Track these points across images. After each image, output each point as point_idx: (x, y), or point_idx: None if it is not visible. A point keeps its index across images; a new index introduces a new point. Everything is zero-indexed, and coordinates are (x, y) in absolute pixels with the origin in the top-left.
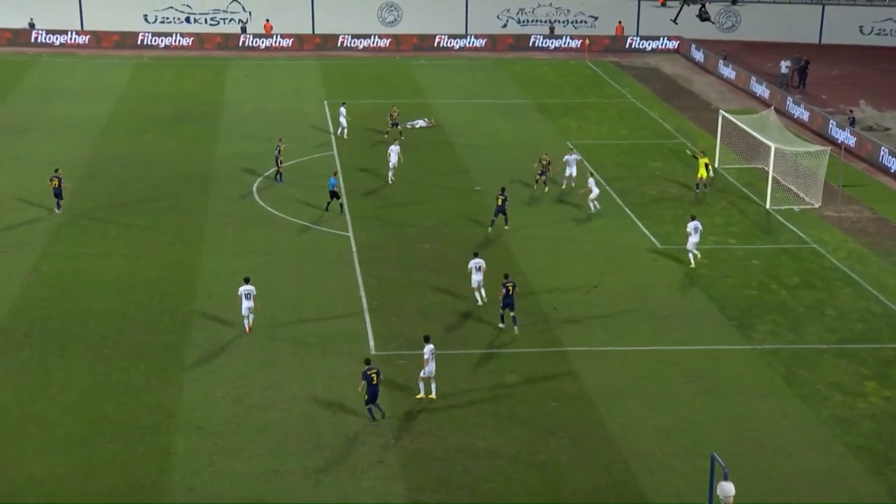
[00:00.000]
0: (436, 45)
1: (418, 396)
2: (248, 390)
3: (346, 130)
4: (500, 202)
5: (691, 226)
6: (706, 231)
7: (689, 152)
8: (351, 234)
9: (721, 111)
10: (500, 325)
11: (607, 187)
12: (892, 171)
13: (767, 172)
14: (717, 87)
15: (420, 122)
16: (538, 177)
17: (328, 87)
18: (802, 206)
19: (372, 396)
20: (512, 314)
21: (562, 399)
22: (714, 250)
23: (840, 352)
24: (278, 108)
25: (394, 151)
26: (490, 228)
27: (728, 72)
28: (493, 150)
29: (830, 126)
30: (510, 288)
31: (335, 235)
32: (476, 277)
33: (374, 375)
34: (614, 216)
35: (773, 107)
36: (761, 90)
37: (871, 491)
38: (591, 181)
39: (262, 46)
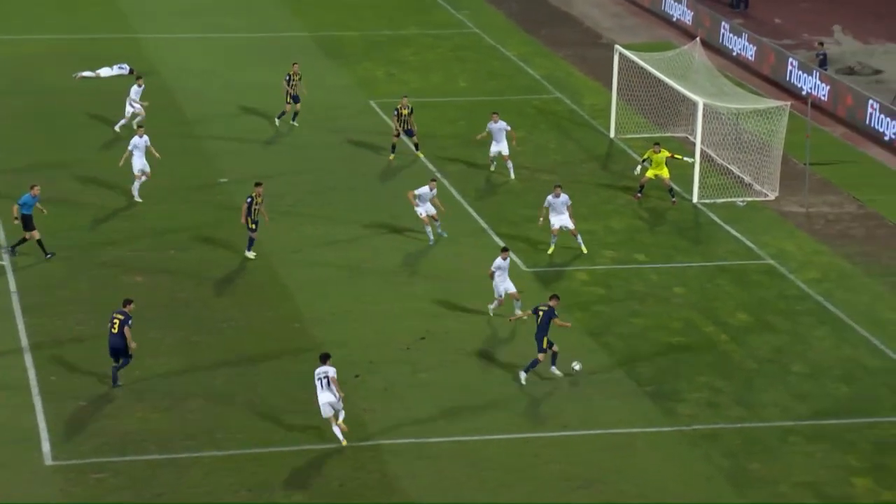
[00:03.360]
0: None
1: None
2: None
3: None
4: None
5: (551, 199)
6: (596, 243)
7: (647, 157)
8: (8, 266)
9: (617, 47)
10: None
11: (440, 175)
12: (887, 137)
13: (693, 145)
14: (610, 8)
15: (116, 70)
16: (395, 137)
17: None
18: (750, 198)
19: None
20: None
21: None
22: (613, 273)
23: (816, 431)
24: None
25: (138, 149)
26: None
27: None
28: (249, 120)
29: (790, 68)
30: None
31: None
32: None
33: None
34: (452, 220)
35: (698, 38)
36: (680, 12)
37: None
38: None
39: None
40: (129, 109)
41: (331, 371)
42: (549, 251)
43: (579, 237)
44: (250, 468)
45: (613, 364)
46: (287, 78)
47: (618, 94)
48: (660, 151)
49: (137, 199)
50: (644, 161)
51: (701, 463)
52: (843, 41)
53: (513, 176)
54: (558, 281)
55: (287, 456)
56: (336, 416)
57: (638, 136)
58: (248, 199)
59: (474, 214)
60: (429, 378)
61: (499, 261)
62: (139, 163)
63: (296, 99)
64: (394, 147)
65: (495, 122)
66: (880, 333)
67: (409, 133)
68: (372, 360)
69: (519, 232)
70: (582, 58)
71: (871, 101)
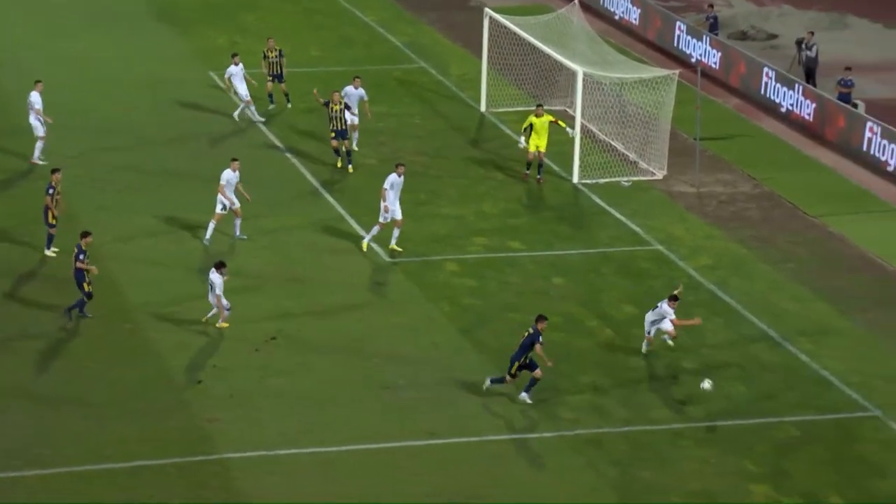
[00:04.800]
0: None
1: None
2: None
3: None
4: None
5: (395, 179)
6: (467, 229)
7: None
8: None
9: (487, 10)
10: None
11: (289, 154)
12: (784, 109)
13: (573, 119)
14: None
15: None
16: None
17: None
18: (636, 178)
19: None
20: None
21: None
22: (485, 262)
23: (709, 435)
24: None
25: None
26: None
27: None
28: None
29: (678, 33)
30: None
31: None
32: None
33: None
34: (304, 203)
35: (577, 0)
36: None
37: None
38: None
39: None
40: None
41: (216, 281)
42: (370, 236)
43: (397, 232)
44: (77, 487)
45: (486, 363)
46: (263, 55)
47: (488, 63)
48: (542, 115)
49: None
50: (525, 130)
51: (585, 472)
52: (736, 3)
53: (355, 147)
54: (425, 271)
55: (119, 474)
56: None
57: (511, 109)
58: (49, 189)
59: (329, 199)
60: (280, 384)
61: (393, 177)
62: None
63: (279, 78)
64: (271, 97)
65: (356, 87)
66: (778, 325)
67: (279, 78)
68: (216, 364)
69: (377, 218)
70: (448, 23)
71: (766, 69)
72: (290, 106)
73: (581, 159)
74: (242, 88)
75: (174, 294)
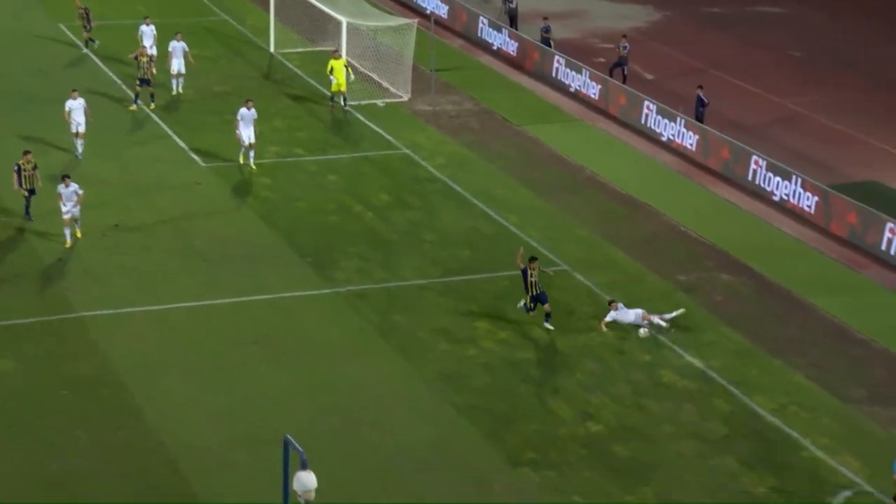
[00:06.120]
0: None
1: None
2: None
3: None
4: None
5: (244, 112)
6: (263, 140)
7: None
8: None
9: None
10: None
11: (116, 77)
12: (495, 47)
13: (342, 53)
14: None
15: None
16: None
17: None
18: (388, 100)
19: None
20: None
21: (78, 385)
22: (278, 165)
23: (445, 287)
24: None
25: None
26: None
27: None
28: None
29: None
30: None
31: None
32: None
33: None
34: (135, 127)
35: None
36: None
37: (487, 460)
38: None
39: None
40: None
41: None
42: (241, 161)
43: (253, 153)
44: None
45: (280, 240)
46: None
47: (275, 15)
48: (339, 57)
49: None
50: (330, 70)
51: (354, 318)
52: None
53: (181, 90)
54: (232, 173)
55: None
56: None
57: (294, 50)
58: (16, 166)
59: (159, 121)
60: (122, 259)
61: (243, 110)
62: None
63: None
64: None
65: (178, 40)
66: (494, 206)
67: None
68: (72, 245)
69: (202, 136)
70: None
71: (481, 18)
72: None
73: (348, 87)
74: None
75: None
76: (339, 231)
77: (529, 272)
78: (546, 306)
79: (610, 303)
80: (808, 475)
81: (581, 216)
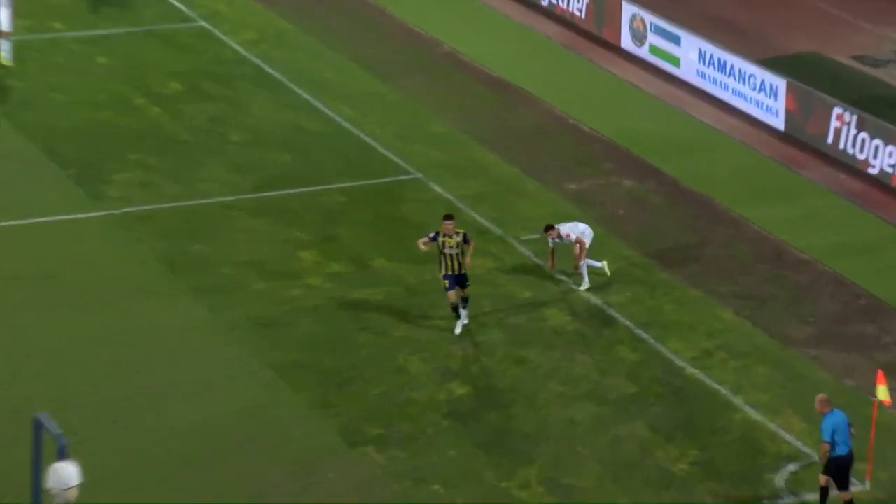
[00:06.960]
0: None
1: None
2: None
3: None
4: None
5: None
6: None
7: None
8: None
9: None
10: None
11: None
12: None
13: None
14: None
15: None
16: None
17: None
18: None
19: None
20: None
21: None
22: (26, 44)
23: (258, 204)
24: None
25: None
26: None
27: None
28: None
29: None
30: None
31: None
32: None
33: None
34: None
35: None
36: None
37: (315, 438)
38: None
39: None
40: None
41: None
42: None
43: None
44: None
45: (31, 146)
46: None
47: None
48: None
49: None
50: None
51: (135, 246)
52: None
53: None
54: None
55: None
56: None
57: None
58: None
59: None
60: None
61: None
62: None
63: None
64: None
65: None
66: (321, 94)
67: None
68: None
69: None
70: None
71: None
72: None
73: None
74: None
75: None
76: (112, 132)
77: (442, 241)
78: (464, 290)
79: (546, 229)
80: (741, 444)
81: (437, 106)
